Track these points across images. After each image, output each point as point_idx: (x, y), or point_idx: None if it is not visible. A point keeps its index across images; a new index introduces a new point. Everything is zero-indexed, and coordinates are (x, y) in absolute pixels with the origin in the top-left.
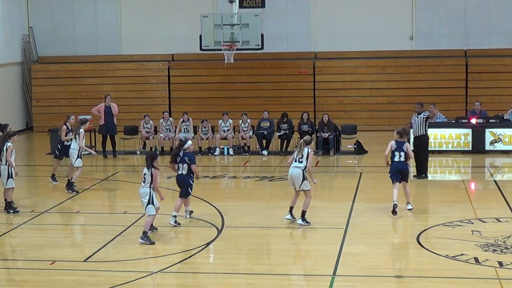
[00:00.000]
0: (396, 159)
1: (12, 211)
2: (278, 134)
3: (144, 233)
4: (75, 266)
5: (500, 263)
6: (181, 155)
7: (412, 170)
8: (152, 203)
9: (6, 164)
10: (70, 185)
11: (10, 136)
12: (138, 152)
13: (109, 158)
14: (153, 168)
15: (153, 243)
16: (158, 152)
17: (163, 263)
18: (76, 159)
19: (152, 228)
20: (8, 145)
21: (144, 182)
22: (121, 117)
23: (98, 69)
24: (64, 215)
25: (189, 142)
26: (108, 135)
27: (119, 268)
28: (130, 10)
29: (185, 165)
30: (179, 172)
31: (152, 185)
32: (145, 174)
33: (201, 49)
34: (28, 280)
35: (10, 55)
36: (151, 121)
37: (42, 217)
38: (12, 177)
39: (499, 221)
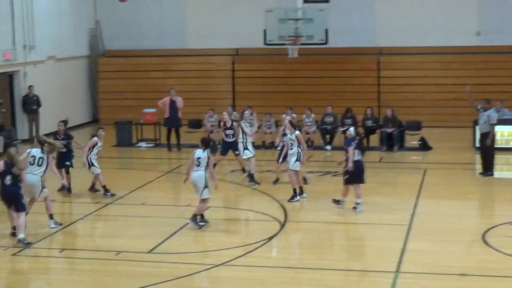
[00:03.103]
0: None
1: (109, 194)
2: (341, 129)
3: (196, 216)
4: (140, 257)
5: None
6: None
7: (478, 167)
8: (207, 187)
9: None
10: (251, 177)
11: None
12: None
13: (174, 151)
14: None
15: (199, 228)
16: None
17: (226, 256)
18: (244, 150)
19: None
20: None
21: (198, 165)
22: (186, 110)
23: (163, 63)
24: (129, 207)
25: (351, 129)
26: (173, 128)
27: (183, 260)
28: (195, 4)
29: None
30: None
31: (207, 169)
32: (199, 157)
33: (265, 43)
34: (93, 270)
35: (78, 49)
36: (215, 115)
37: (108, 208)
38: (94, 165)
39: None
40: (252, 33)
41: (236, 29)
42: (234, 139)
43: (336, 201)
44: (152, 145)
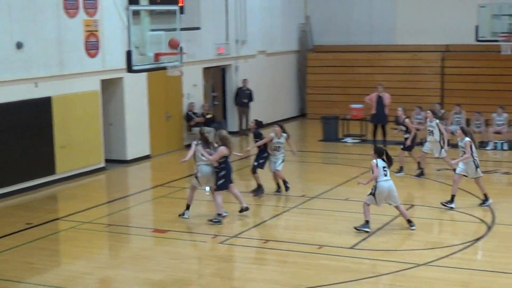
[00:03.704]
0: None
1: (282, 190)
2: None
3: (410, 221)
4: (341, 252)
5: None
6: None
7: None
8: None
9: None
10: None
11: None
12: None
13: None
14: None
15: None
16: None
17: (428, 256)
18: (441, 149)
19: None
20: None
21: (386, 175)
22: (392, 107)
23: (371, 59)
24: (333, 201)
25: None
26: (379, 125)
27: (384, 257)
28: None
29: None
30: None
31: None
32: (385, 167)
33: (476, 40)
34: (296, 262)
35: (287, 44)
36: (422, 112)
37: (312, 202)
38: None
39: None
40: (463, 29)
41: (447, 25)
42: (407, 135)
43: None
44: (358, 140)
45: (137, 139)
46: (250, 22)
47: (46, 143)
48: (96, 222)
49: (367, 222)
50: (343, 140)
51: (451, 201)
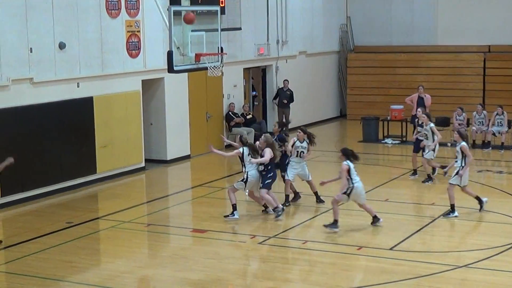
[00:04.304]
0: None
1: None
2: None
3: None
4: (381, 254)
5: None
6: None
7: None
8: None
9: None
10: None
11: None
12: (449, 144)
13: None
14: None
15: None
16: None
17: (469, 258)
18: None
19: None
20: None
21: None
22: (433, 108)
23: (411, 59)
24: (372, 203)
25: None
26: None
27: (424, 259)
28: (448, 0)
29: None
30: None
31: None
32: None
33: None
34: (335, 263)
35: (328, 44)
36: (464, 113)
37: (352, 203)
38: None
39: None
40: (506, 29)
41: (489, 26)
42: (422, 138)
43: None
44: (398, 141)
45: (177, 139)
46: (291, 22)
47: (87, 143)
48: (136, 222)
49: (336, 221)
50: (383, 141)
51: (480, 202)
